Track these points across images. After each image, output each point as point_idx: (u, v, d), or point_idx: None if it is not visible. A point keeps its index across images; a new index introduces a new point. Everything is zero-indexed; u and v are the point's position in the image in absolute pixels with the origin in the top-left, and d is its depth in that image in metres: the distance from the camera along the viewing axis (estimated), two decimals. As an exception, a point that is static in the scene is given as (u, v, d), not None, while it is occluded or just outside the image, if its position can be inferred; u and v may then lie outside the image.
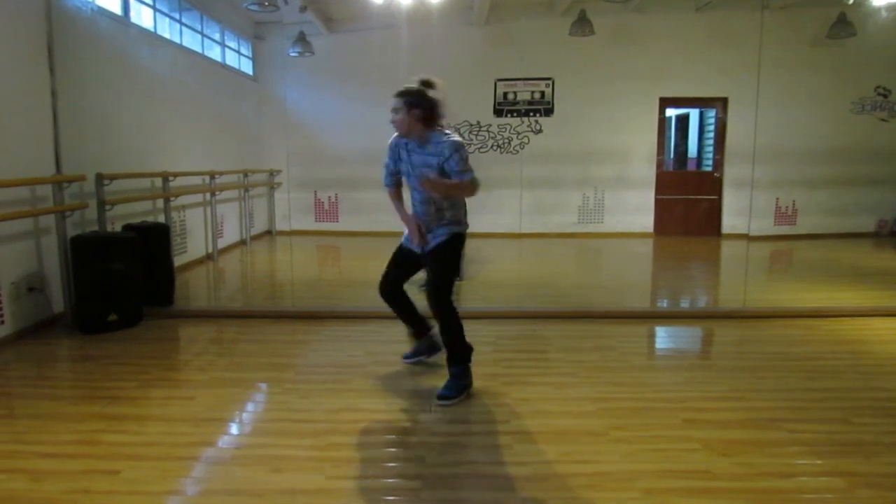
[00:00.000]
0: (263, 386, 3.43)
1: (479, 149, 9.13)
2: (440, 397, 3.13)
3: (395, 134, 3.29)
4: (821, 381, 3.42)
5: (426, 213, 3.29)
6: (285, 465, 2.49)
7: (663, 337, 4.55)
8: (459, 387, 3.19)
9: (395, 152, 3.35)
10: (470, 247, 8.39)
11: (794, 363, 3.71)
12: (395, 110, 3.15)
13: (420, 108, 3.11)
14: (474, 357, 3.33)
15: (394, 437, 2.79)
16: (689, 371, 3.66)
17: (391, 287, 3.48)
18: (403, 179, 3.41)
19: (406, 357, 3.72)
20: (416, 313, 3.59)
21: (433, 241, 3.29)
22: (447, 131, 3.18)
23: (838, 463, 2.50)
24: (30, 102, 4.33)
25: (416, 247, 3.35)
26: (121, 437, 2.74)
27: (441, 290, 3.24)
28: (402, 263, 3.48)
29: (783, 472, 2.43)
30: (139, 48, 5.92)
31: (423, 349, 3.69)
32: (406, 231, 3.42)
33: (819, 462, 2.52)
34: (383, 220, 8.77)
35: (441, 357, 3.49)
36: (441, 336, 3.31)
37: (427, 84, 3.17)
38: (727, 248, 8.66)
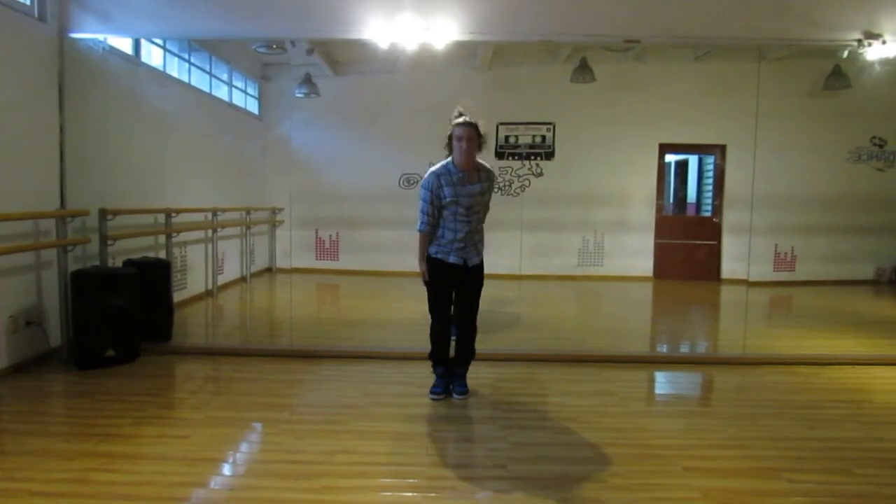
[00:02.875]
0: (258, 426, 3.40)
1: (480, 190, 9.18)
2: (462, 394, 3.76)
3: (439, 166, 3.48)
4: (822, 430, 3.39)
5: (470, 239, 3.58)
6: (279, 507, 2.45)
7: (663, 382, 4.52)
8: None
9: (437, 188, 3.47)
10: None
11: (794, 411, 3.68)
12: (469, 138, 3.35)
13: (480, 137, 3.41)
14: (472, 399, 3.62)
15: (389, 480, 2.74)
16: (689, 418, 3.62)
17: (449, 316, 3.75)
18: (446, 213, 3.54)
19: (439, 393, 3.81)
20: None
21: (476, 259, 3.66)
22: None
23: (841, 515, 2.46)
24: (38, 137, 4.40)
25: (458, 260, 3.58)
26: (112, 476, 2.70)
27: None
28: (448, 288, 3.69)
29: (785, 524, 2.40)
30: (148, 87, 6.03)
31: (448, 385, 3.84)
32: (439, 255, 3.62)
33: (821, 514, 2.49)
34: (383, 259, 8.84)
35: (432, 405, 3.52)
36: (470, 346, 3.81)
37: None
38: (726, 294, 8.65)
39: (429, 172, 3.49)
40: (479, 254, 3.70)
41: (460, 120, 3.38)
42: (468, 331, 3.80)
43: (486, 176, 3.58)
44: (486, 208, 3.71)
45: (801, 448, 3.12)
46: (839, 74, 7.60)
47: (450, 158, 3.49)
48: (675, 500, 2.56)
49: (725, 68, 8.64)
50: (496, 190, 8.96)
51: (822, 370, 4.49)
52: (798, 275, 9.03)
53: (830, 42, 4.65)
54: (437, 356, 3.86)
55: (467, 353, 3.85)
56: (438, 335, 3.79)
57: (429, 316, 3.80)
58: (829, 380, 4.30)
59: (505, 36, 4.82)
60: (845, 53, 4.82)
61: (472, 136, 3.37)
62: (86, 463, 2.81)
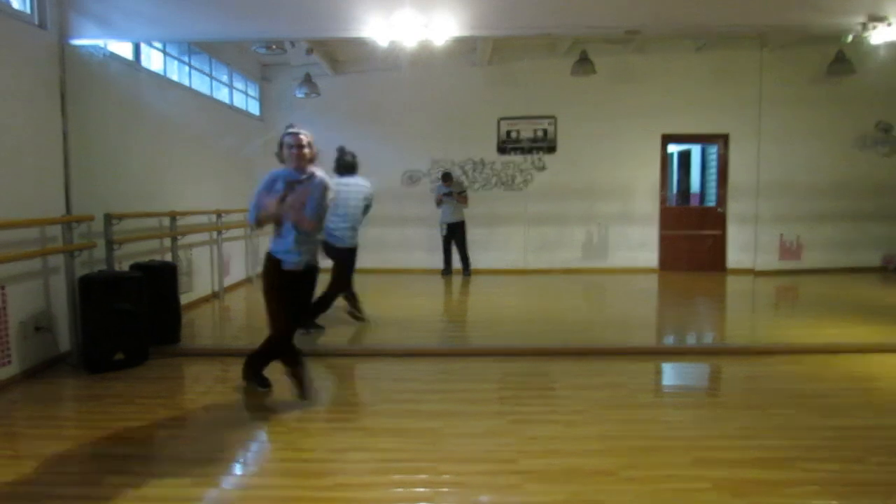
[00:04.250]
0: (269, 425, 3.41)
1: (482, 186, 9.21)
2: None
3: (280, 169, 3.59)
4: (834, 418, 3.38)
5: (300, 239, 3.56)
6: (292, 506, 2.46)
7: (671, 374, 4.51)
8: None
9: (271, 185, 3.59)
10: (475, 283, 8.42)
11: (805, 400, 3.67)
12: (309, 144, 3.52)
13: (311, 147, 3.56)
14: (481, 395, 3.61)
15: (401, 476, 2.75)
16: (699, 409, 3.62)
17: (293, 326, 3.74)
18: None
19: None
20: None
21: (312, 260, 3.66)
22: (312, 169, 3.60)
23: None
24: (42, 145, 4.41)
25: (295, 264, 3.56)
26: (126, 478, 2.71)
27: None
28: (290, 293, 3.67)
29: (798, 513, 2.39)
30: (149, 91, 6.04)
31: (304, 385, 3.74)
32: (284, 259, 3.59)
33: (835, 502, 2.48)
34: (389, 257, 8.86)
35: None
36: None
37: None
38: (733, 284, 8.63)
39: (269, 173, 3.63)
40: (315, 258, 3.72)
41: (292, 130, 3.56)
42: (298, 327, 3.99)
43: (321, 183, 3.60)
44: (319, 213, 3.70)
45: (813, 437, 3.11)
46: (843, 60, 7.56)
47: (284, 167, 3.61)
48: (687, 492, 2.56)
49: (727, 58, 8.63)
50: (499, 186, 9.13)
51: (832, 359, 4.47)
52: (804, 263, 9.01)
53: (833, 27, 4.62)
54: (257, 364, 3.83)
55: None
56: (279, 345, 3.70)
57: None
58: (839, 368, 4.29)
59: (504, 31, 4.80)
60: (849, 38, 4.79)
61: (311, 142, 3.55)
62: (99, 465, 2.83)
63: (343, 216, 5.09)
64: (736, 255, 9.08)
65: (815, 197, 8.88)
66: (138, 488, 2.62)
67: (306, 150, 3.52)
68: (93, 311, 4.27)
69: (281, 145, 3.56)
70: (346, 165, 5.19)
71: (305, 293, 3.76)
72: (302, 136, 3.53)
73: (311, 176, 3.56)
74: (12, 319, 4.05)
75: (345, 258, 5.24)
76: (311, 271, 3.68)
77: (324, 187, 3.55)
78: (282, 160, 3.60)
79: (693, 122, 9.01)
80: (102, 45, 4.92)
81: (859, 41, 4.66)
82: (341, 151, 5.22)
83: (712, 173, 9.53)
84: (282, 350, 3.71)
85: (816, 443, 3.05)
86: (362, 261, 8.18)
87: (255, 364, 3.85)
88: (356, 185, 5.18)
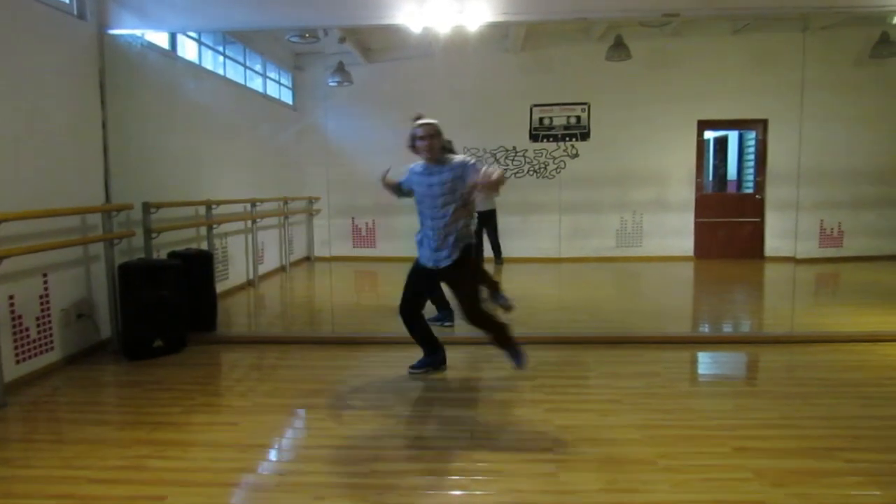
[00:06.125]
0: (305, 412, 3.44)
1: (515, 174, 9.14)
2: (519, 366, 3.68)
3: (417, 162, 3.69)
4: (878, 408, 3.29)
5: (436, 236, 3.63)
6: (328, 492, 2.48)
7: (709, 362, 4.44)
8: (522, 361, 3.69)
9: (409, 178, 3.76)
10: (508, 271, 8.38)
11: (848, 389, 3.58)
12: (429, 136, 3.54)
13: (441, 136, 3.60)
14: (515, 383, 3.60)
15: (436, 464, 2.76)
16: (738, 398, 3.55)
17: (412, 310, 3.83)
18: (417, 203, 3.76)
19: (413, 368, 3.96)
20: (433, 334, 3.98)
21: (446, 260, 3.63)
22: (449, 156, 3.66)
23: (902, 495, 2.38)
24: (82, 134, 4.50)
25: (429, 263, 3.66)
26: (166, 462, 2.77)
27: (474, 301, 3.65)
28: (419, 284, 3.82)
29: (843, 505, 2.33)
30: (185, 81, 6.12)
31: (428, 363, 3.96)
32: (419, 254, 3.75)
33: (878, 493, 2.42)
34: (420, 245, 8.83)
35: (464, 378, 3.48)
36: (489, 333, 3.69)
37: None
38: (771, 271, 8.45)
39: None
40: (451, 255, 3.61)
41: (421, 121, 3.59)
42: (475, 325, 3.69)
43: (454, 166, 3.55)
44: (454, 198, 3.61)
45: (856, 427, 3.04)
46: (888, 41, 7.30)
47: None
48: (727, 481, 2.51)
49: (766, 40, 8.40)
50: (532, 174, 9.06)
51: (876, 347, 4.36)
52: (846, 251, 8.76)
53: (880, 8, 4.44)
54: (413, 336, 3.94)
55: (492, 338, 3.74)
56: (402, 317, 3.88)
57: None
58: (883, 357, 4.17)
59: (539, 15, 4.73)
60: (895, 19, 4.61)
61: (432, 133, 3.56)
62: (140, 450, 2.89)
63: None
64: (774, 243, 8.87)
65: (858, 182, 8.61)
66: (179, 473, 2.67)
67: (435, 140, 3.55)
68: (132, 299, 4.36)
69: (413, 137, 3.58)
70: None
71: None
72: (431, 125, 3.55)
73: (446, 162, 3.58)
74: (54, 307, 4.16)
75: None
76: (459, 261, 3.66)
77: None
78: (416, 152, 3.64)
79: (731, 108, 8.80)
80: (140, 36, 4.99)
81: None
82: None
83: (750, 159, 9.31)
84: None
85: (859, 433, 2.97)
86: (395, 250, 8.25)
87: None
88: None
